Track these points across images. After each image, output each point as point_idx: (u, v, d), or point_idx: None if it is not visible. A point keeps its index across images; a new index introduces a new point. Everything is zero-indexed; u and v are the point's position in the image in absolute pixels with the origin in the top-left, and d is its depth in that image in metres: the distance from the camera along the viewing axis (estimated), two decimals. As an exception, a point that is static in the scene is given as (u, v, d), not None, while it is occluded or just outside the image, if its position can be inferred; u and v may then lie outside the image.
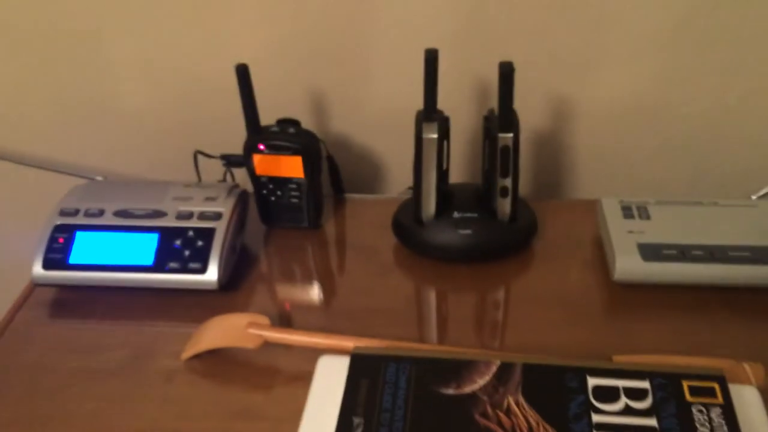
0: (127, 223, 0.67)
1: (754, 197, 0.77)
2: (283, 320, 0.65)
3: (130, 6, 0.76)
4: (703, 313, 0.63)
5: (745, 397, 0.50)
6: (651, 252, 0.65)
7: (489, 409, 0.48)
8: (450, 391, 0.49)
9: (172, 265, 0.65)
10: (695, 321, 0.62)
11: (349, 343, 0.57)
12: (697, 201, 0.70)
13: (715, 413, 0.47)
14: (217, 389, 0.57)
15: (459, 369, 0.51)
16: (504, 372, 0.50)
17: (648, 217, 0.68)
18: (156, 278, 0.65)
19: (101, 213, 0.68)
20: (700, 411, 0.47)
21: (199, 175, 0.78)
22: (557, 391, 0.49)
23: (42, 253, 0.66)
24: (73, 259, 0.66)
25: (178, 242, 0.66)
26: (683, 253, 0.64)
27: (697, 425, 0.46)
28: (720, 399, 0.48)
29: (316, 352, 0.56)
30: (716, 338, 0.61)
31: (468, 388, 0.49)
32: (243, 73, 0.66)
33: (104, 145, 0.88)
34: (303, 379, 0.57)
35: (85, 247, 0.66)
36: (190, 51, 0.79)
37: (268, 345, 0.59)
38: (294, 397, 0.55)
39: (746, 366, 0.55)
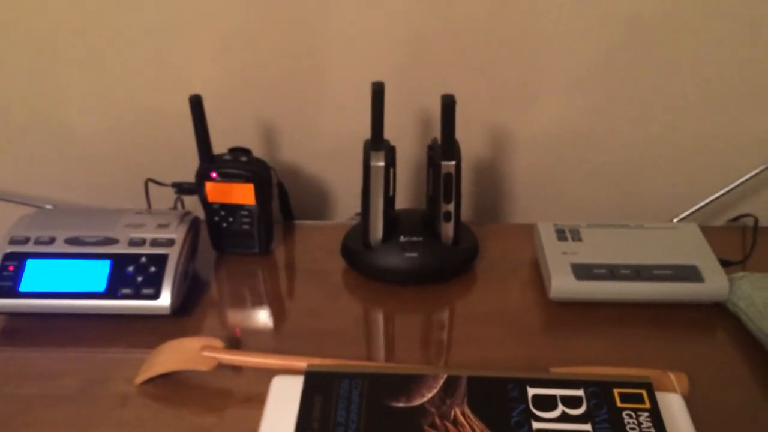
0: (78, 250, 0.68)
1: (675, 220, 0.81)
2: (236, 344, 0.66)
3: (84, 36, 0.76)
4: (631, 327, 0.67)
5: (671, 403, 0.54)
6: (583, 271, 0.68)
7: (437, 420, 0.50)
8: (400, 404, 0.52)
9: (125, 291, 0.65)
10: (624, 335, 0.66)
11: (302, 363, 0.58)
12: (625, 224, 0.74)
13: (644, 417, 0.51)
14: (172, 412, 0.58)
15: (408, 383, 0.53)
16: (450, 385, 0.53)
17: (580, 240, 0.72)
18: (108, 304, 0.65)
19: (52, 241, 0.68)
20: (630, 415, 0.51)
21: (149, 203, 0.79)
22: (500, 401, 0.52)
23: (-8, 281, 0.66)
24: (23, 287, 0.65)
25: (130, 268, 0.67)
26: (612, 272, 0.68)
27: (628, 429, 0.50)
28: (648, 404, 0.52)
29: (269, 374, 0.57)
30: (643, 350, 0.65)
31: (417, 401, 0.52)
32: (196, 103, 0.67)
33: (54, 173, 0.87)
34: (256, 399, 0.59)
35: (36, 275, 0.66)
36: (142, 81, 0.80)
37: (221, 368, 0.61)
38: (248, 418, 0.57)
39: (671, 375, 0.59)
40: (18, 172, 0.87)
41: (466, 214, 0.90)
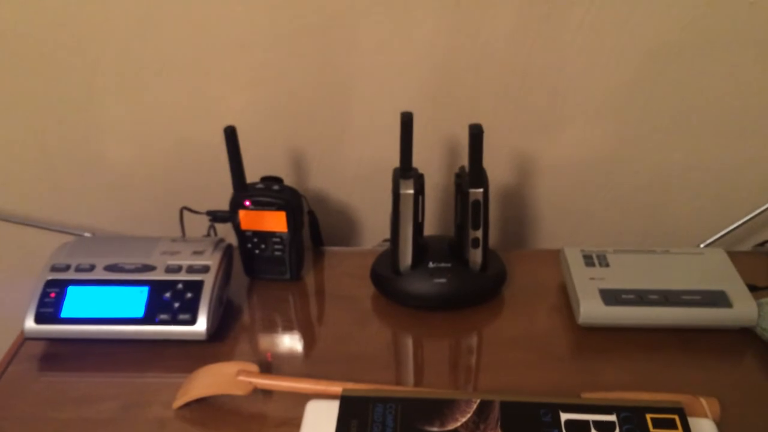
0: (117, 277, 0.69)
1: (702, 245, 0.82)
2: (268, 368, 0.67)
3: (120, 68, 0.79)
4: (660, 352, 0.67)
5: (703, 429, 0.54)
6: (611, 297, 0.69)
7: (471, 445, 0.51)
8: (434, 429, 0.52)
9: (162, 317, 0.67)
10: (653, 360, 0.66)
11: (337, 387, 0.59)
12: (651, 249, 0.75)
13: (676, 442, 0.51)
14: (209, 436, 0.59)
15: (442, 408, 0.54)
16: (483, 409, 0.54)
17: (607, 265, 0.73)
18: (146, 330, 0.67)
19: (92, 268, 0.70)
20: (662, 441, 0.52)
21: (184, 231, 0.80)
22: (533, 426, 0.52)
23: (34, 307, 0.67)
24: (64, 313, 0.67)
25: (167, 295, 0.68)
26: (641, 298, 0.69)
27: (660, 454, 0.51)
28: (680, 429, 0.52)
29: (303, 398, 0.58)
30: (672, 376, 0.65)
31: (451, 426, 0.53)
32: (231, 134, 0.69)
33: (91, 202, 0.89)
34: (291, 424, 0.59)
35: (77, 301, 0.68)
36: (177, 112, 0.82)
37: (256, 392, 0.62)
38: (284, 442, 0.58)
39: (703, 401, 0.59)
40: (57, 201, 0.89)
41: (493, 240, 0.91)
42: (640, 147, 0.83)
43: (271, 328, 0.72)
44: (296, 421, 0.56)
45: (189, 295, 0.68)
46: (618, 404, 0.54)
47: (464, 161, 0.70)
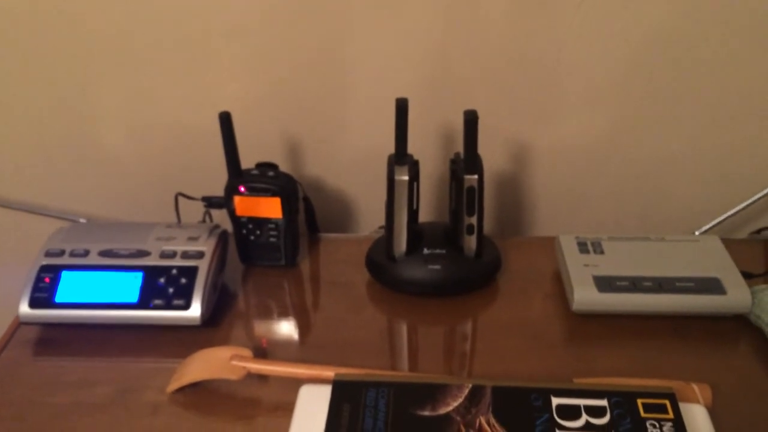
0: (111, 262, 0.69)
1: (697, 233, 0.82)
2: (263, 354, 0.67)
3: (115, 54, 0.79)
4: (653, 339, 0.67)
5: (694, 414, 0.55)
6: (605, 284, 0.69)
7: (462, 429, 0.51)
8: (426, 413, 0.53)
9: (157, 302, 0.67)
10: (647, 347, 0.67)
11: (330, 372, 0.59)
12: (646, 237, 0.75)
13: (667, 427, 0.51)
14: (202, 421, 0.59)
15: (434, 392, 0.54)
16: (475, 394, 0.54)
17: (602, 252, 0.73)
18: (141, 315, 0.67)
19: (86, 253, 0.70)
20: (654, 426, 0.52)
21: (179, 217, 0.80)
22: (524, 410, 0.53)
23: (29, 292, 0.67)
24: (59, 298, 0.67)
25: (162, 280, 0.68)
26: (634, 285, 0.69)
27: (651, 439, 0.51)
28: (671, 414, 0.53)
29: (295, 383, 0.59)
30: (666, 362, 0.65)
31: (442, 410, 0.53)
32: (226, 120, 0.69)
33: (86, 188, 0.89)
34: (284, 408, 0.60)
35: (71, 286, 0.68)
36: (172, 98, 0.82)
37: (250, 377, 0.62)
38: (277, 426, 0.58)
39: (695, 386, 0.59)
40: (52, 187, 0.89)
41: (488, 227, 0.90)
42: (637, 134, 0.82)
43: (266, 314, 0.72)
44: (289, 406, 0.56)
45: (183, 280, 0.68)
46: (609, 389, 0.54)
47: (459, 148, 0.70)
